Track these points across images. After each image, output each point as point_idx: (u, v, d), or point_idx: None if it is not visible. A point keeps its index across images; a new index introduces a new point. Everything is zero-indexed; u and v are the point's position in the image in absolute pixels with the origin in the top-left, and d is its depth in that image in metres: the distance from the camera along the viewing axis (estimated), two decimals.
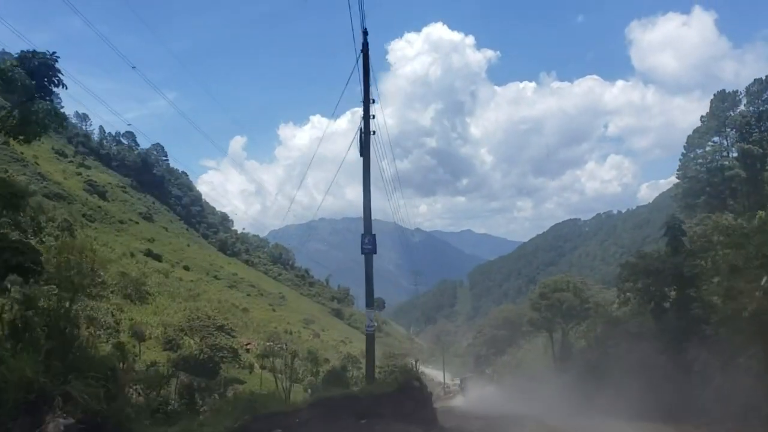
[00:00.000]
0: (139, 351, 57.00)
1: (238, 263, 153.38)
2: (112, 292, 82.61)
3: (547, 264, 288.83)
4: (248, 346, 73.67)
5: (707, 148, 64.60)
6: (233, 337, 60.90)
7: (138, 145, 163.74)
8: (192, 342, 56.84)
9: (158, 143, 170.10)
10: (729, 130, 61.60)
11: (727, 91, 62.76)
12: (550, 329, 45.97)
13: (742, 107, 62.36)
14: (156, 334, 62.08)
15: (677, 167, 71.07)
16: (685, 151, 68.06)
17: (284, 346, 76.50)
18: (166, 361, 57.66)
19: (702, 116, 64.14)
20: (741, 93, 60.42)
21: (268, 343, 72.00)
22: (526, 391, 41.22)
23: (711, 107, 62.95)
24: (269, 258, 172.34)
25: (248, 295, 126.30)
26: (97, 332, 50.95)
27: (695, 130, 67.08)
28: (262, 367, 67.50)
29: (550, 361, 42.75)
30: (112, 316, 67.12)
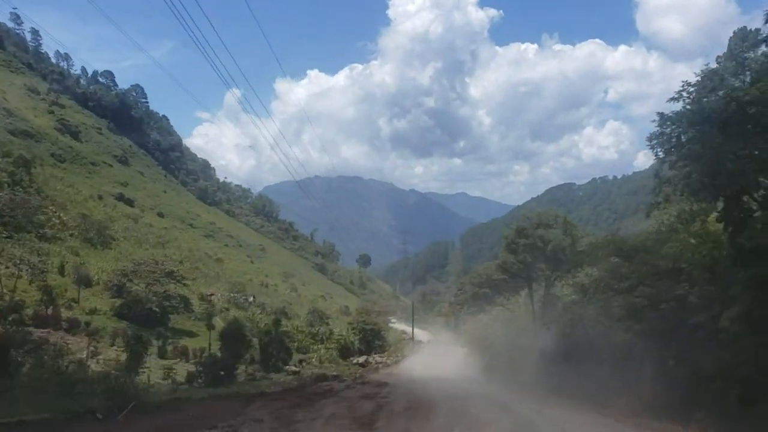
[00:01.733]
0: (78, 296, 51.63)
1: (219, 213, 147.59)
2: (71, 235, 77.14)
3: None
4: (211, 297, 68.34)
5: (721, 93, 57.68)
6: (185, 285, 55.18)
7: (116, 86, 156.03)
8: (138, 289, 51.20)
9: (137, 84, 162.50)
10: (747, 73, 54.78)
11: (748, 29, 56.09)
12: (530, 278, 36.80)
13: (764, 48, 55.27)
14: (105, 280, 56.61)
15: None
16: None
17: (251, 299, 71.41)
18: (110, 308, 52.49)
19: (718, 57, 57.18)
20: (764, 33, 53.37)
21: (231, 294, 66.82)
22: (495, 356, 34.79)
23: (729, 46, 56.06)
24: (252, 209, 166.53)
25: (225, 245, 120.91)
26: (20, 273, 45.40)
27: (707, 72, 59.96)
28: (223, 321, 62.22)
29: (530, 320, 34.92)
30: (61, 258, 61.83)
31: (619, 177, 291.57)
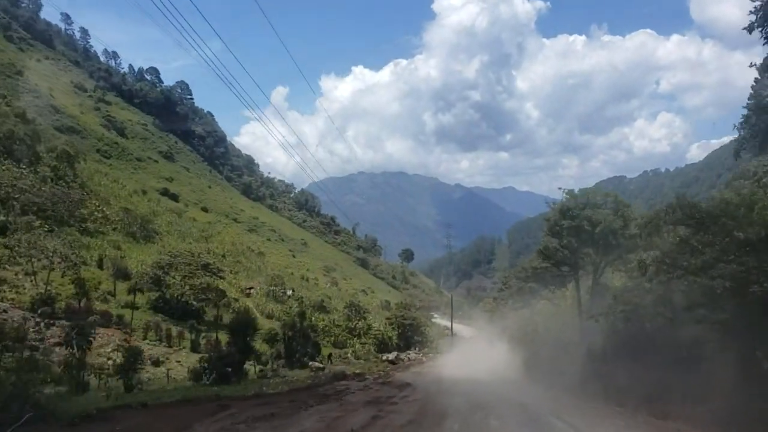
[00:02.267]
0: (115, 289, 51.20)
1: (262, 208, 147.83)
2: (114, 229, 77.63)
3: None
4: (250, 290, 67.61)
5: None
6: (221, 278, 54.22)
7: (162, 82, 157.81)
8: (179, 282, 50.43)
9: (182, 80, 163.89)
10: None
11: None
12: (576, 265, 31.71)
13: None
14: (142, 272, 56.15)
15: (742, 115, 59.39)
16: (753, 91, 57.13)
17: (289, 292, 70.29)
18: (146, 302, 51.88)
19: None
20: None
21: (270, 288, 65.83)
22: (537, 354, 31.01)
23: None
24: (294, 204, 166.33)
25: (268, 239, 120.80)
26: (53, 266, 44.98)
27: None
28: (261, 314, 61.27)
29: (575, 314, 30.58)
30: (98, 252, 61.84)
31: (671, 170, 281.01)
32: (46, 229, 63.08)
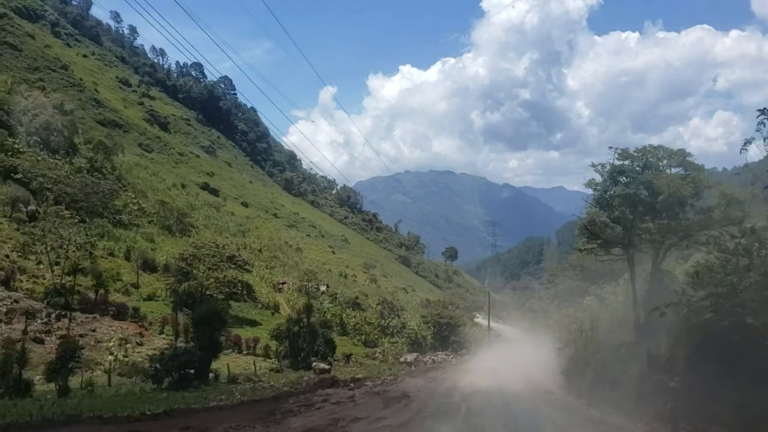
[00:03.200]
0: (137, 280, 49.43)
1: (303, 203, 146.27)
2: (150, 222, 76.66)
3: None
4: (282, 285, 65.31)
5: None
6: (247, 270, 51.84)
7: (205, 78, 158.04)
8: (200, 274, 48.24)
9: (226, 76, 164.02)
10: None
11: None
12: (630, 245, 23.99)
13: None
14: (167, 264, 54.36)
15: None
16: None
17: (323, 288, 67.67)
18: (170, 295, 49.83)
19: None
20: None
21: (303, 283, 63.37)
22: (581, 359, 23.95)
23: None
24: (336, 200, 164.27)
25: (308, 235, 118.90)
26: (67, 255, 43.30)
27: None
28: (292, 309, 58.75)
29: (629, 310, 23.27)
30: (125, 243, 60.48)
31: (729, 169, 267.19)
32: (77, 220, 62.38)
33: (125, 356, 29.90)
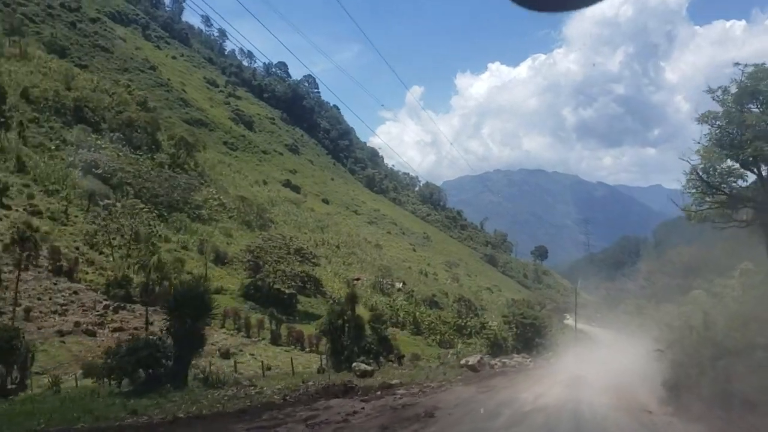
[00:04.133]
0: (206, 273, 48.16)
1: (384, 200, 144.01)
2: (230, 217, 76.70)
3: None
4: (356, 281, 62.86)
5: None
6: (316, 264, 49.48)
7: (290, 77, 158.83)
8: (269, 267, 46.38)
9: (309, 74, 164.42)
10: None
11: None
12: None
13: None
14: (236, 257, 53.08)
15: None
16: None
17: (399, 284, 64.69)
18: (239, 288, 48.28)
19: None
20: None
21: (378, 279, 60.60)
22: (691, 366, 18.57)
23: None
24: (419, 197, 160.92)
25: (388, 232, 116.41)
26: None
27: None
28: (365, 306, 56.10)
29: (758, 300, 18.59)
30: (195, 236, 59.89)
31: None
32: (155, 214, 62.64)
33: None
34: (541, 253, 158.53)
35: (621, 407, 16.81)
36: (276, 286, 44.39)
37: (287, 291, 44.66)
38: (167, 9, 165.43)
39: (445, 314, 53.86)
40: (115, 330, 30.73)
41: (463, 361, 28.35)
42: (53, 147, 63.59)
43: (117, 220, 45.37)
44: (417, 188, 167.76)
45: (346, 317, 27.57)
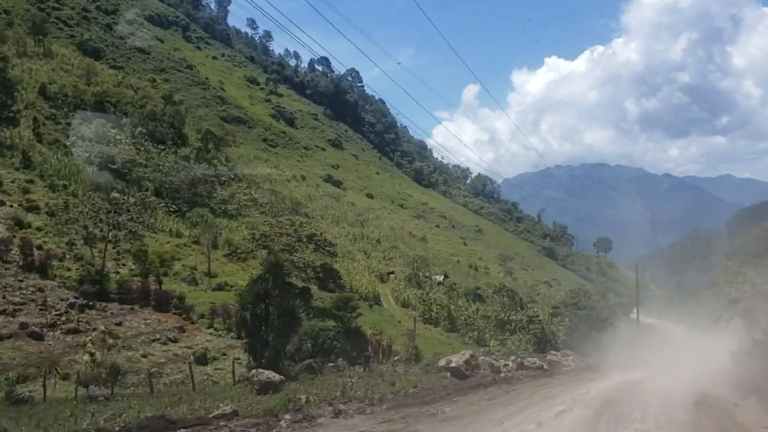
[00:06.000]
0: (209, 268, 43.17)
1: (433, 194, 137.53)
2: (262, 213, 72.44)
3: None
4: (390, 274, 57.00)
5: None
6: (332, 254, 43.65)
7: (332, 72, 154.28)
8: (273, 257, 40.76)
9: (353, 68, 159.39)
10: None
11: None
12: None
13: None
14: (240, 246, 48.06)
15: None
16: None
17: (439, 278, 58.34)
18: (246, 282, 43.18)
19: None
20: None
21: (413, 272, 54.50)
22: None
23: None
24: (471, 190, 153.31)
25: (437, 226, 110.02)
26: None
27: None
28: (396, 301, 50.14)
29: None
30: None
31: None
32: (173, 210, 58.61)
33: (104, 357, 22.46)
34: (604, 245, 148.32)
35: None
36: (288, 280, 38.76)
37: (300, 284, 39.02)
38: (211, 11, 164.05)
39: (485, 308, 47.20)
40: (68, 332, 25.80)
41: (442, 362, 20.91)
42: (69, 143, 60.48)
43: (115, 214, 40.78)
44: (468, 180, 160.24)
45: (269, 300, 21.14)
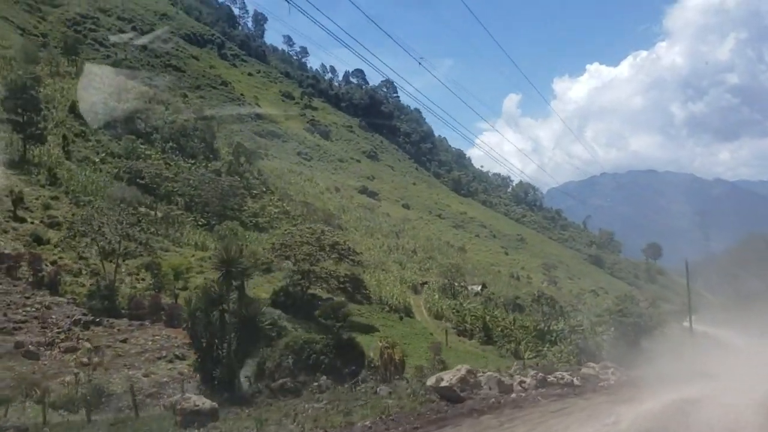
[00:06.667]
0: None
1: (473, 203, 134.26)
2: (294, 225, 71.00)
3: None
4: (423, 285, 54.44)
5: None
6: (358, 263, 41.36)
7: (367, 83, 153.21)
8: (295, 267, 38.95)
9: (388, 79, 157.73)
10: None
11: None
12: None
13: None
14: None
15: None
16: None
17: (476, 288, 55.48)
18: (269, 296, 41.36)
19: None
20: None
21: (447, 281, 51.88)
22: None
23: None
24: (512, 198, 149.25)
25: (476, 236, 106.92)
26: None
27: None
28: (429, 312, 47.57)
29: None
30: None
31: None
32: (202, 223, 57.59)
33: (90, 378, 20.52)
34: (654, 252, 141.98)
35: None
36: (310, 291, 36.80)
37: (324, 296, 36.94)
38: (248, 30, 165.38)
39: (524, 318, 44.15)
40: (66, 351, 24.16)
41: (431, 382, 17.27)
42: (98, 160, 60.25)
43: (128, 227, 39.41)
44: (510, 189, 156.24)
45: (224, 307, 18.49)
